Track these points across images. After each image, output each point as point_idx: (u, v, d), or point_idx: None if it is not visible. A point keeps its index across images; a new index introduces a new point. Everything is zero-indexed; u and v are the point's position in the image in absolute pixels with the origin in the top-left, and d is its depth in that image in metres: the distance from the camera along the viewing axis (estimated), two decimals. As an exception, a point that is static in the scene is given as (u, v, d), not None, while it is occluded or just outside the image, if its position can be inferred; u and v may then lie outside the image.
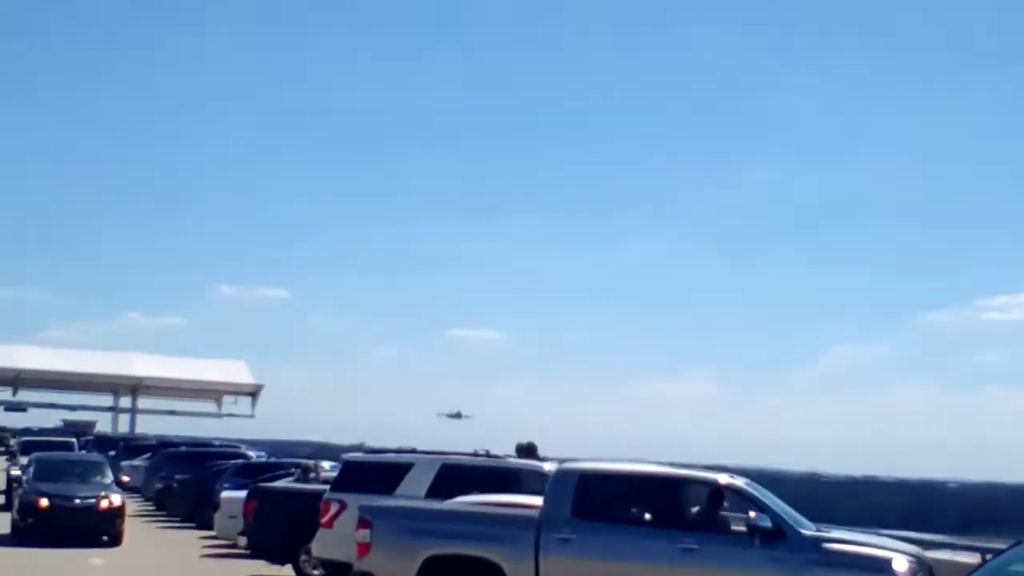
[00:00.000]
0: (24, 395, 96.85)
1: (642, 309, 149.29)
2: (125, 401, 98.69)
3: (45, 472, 29.17)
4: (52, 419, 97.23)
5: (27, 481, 29.20)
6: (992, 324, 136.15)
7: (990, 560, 10.76)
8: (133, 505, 38.11)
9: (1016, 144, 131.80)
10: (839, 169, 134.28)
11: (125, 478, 40.28)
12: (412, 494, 18.79)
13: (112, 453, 50.60)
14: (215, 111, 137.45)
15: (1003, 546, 11.14)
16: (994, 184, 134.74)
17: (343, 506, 18.98)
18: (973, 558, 17.25)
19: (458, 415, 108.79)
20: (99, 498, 27.69)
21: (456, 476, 19.03)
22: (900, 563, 14.27)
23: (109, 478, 29.75)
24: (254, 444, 58.19)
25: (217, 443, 50.74)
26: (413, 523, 15.50)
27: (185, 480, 35.27)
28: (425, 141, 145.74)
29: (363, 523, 15.51)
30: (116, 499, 27.99)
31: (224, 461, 35.92)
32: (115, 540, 27.24)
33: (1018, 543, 10.49)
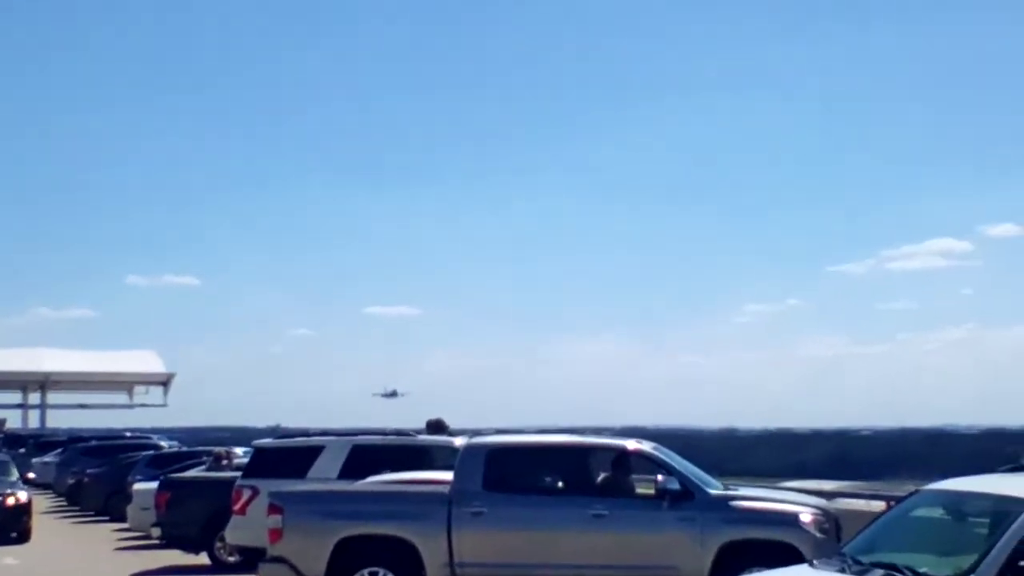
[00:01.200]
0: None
1: (551, 272, 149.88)
2: (34, 397, 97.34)
3: (-50, 474, 28.86)
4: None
5: (-67, 484, 28.84)
6: (898, 273, 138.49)
7: (893, 507, 10.90)
8: (45, 501, 37.79)
9: (913, 95, 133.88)
10: (741, 123, 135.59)
11: (31, 475, 39.87)
12: (324, 476, 18.78)
13: (22, 450, 50.04)
14: (113, 98, 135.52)
15: (913, 489, 11.27)
16: (894, 135, 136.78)
17: (255, 492, 18.92)
18: (881, 505, 17.50)
19: (393, 393, 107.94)
20: (4, 496, 27.46)
21: (367, 456, 19.04)
22: (806, 516, 14.50)
23: (14, 476, 29.60)
24: (170, 433, 57.68)
25: (129, 435, 50.26)
26: (323, 506, 15.43)
27: (96, 474, 34.96)
28: (327, 117, 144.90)
29: (274, 509, 15.41)
30: (22, 496, 27.85)
31: (136, 453, 35.63)
32: (23, 536, 27.10)
33: (916, 492, 10.64)
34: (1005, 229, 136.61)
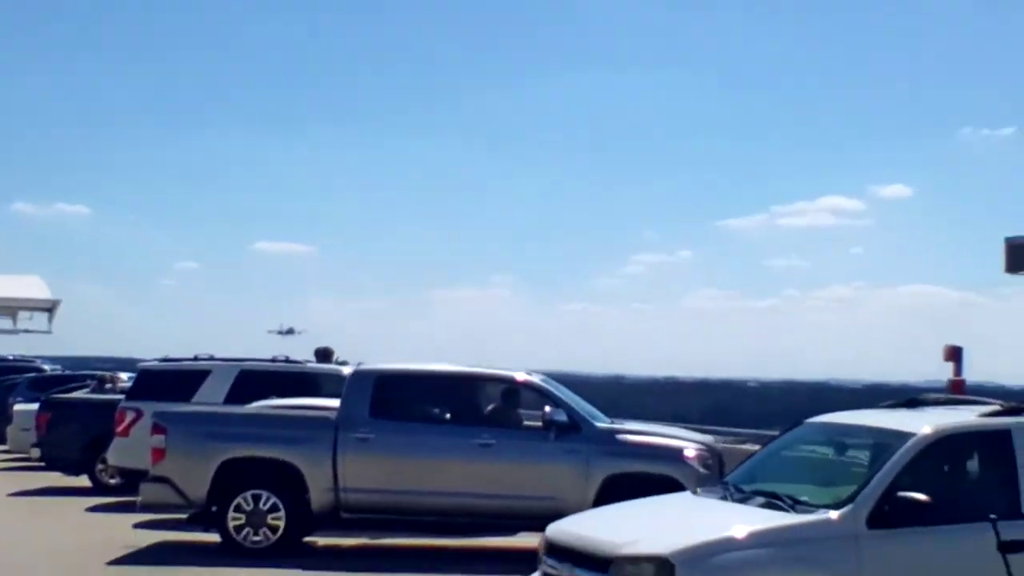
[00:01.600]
0: None
1: (445, 219, 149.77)
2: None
3: None
4: None
5: None
6: (789, 230, 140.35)
7: (776, 438, 11.01)
8: (-77, 423, 36.94)
9: (808, 58, 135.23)
10: (641, 84, 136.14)
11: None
12: (210, 400, 18.61)
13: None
14: (9, 26, 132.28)
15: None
16: (788, 96, 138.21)
17: (139, 414, 18.74)
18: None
19: (290, 331, 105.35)
20: None
21: (254, 381, 18.95)
22: (690, 451, 14.63)
23: None
24: (54, 361, 56.69)
25: (11, 358, 49.36)
26: (208, 427, 15.26)
27: (-25, 395, 34.24)
28: (223, 50, 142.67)
29: (157, 429, 15.24)
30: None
31: (17, 375, 34.99)
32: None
33: (791, 428, 10.73)
34: (895, 190, 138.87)
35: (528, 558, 10.24)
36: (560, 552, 9.17)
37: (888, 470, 8.82)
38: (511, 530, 15.14)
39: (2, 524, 17.65)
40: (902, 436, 9.09)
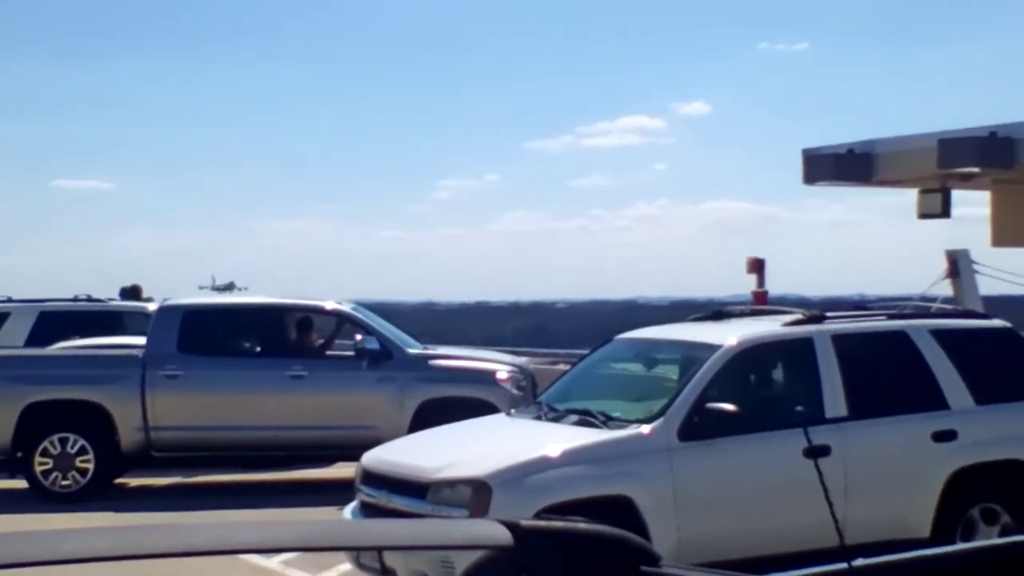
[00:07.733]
0: None
1: (257, 148, 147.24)
2: None
3: None
4: None
5: None
6: (594, 150, 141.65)
7: (587, 356, 11.10)
8: None
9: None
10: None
11: None
12: (9, 344, 18.05)
13: None
14: None
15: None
16: (586, 17, 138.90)
17: (-65, 362, 18.05)
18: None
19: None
20: None
21: (56, 322, 18.44)
22: (502, 374, 14.71)
23: None
24: None
25: None
26: (8, 371, 14.80)
27: None
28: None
29: (-46, 375, 14.73)
30: None
31: None
32: None
33: (601, 346, 10.82)
34: (696, 107, 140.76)
35: (346, 488, 10.20)
36: (377, 480, 9.14)
37: (696, 382, 8.96)
38: (327, 461, 15.06)
39: None
40: (709, 348, 9.24)
